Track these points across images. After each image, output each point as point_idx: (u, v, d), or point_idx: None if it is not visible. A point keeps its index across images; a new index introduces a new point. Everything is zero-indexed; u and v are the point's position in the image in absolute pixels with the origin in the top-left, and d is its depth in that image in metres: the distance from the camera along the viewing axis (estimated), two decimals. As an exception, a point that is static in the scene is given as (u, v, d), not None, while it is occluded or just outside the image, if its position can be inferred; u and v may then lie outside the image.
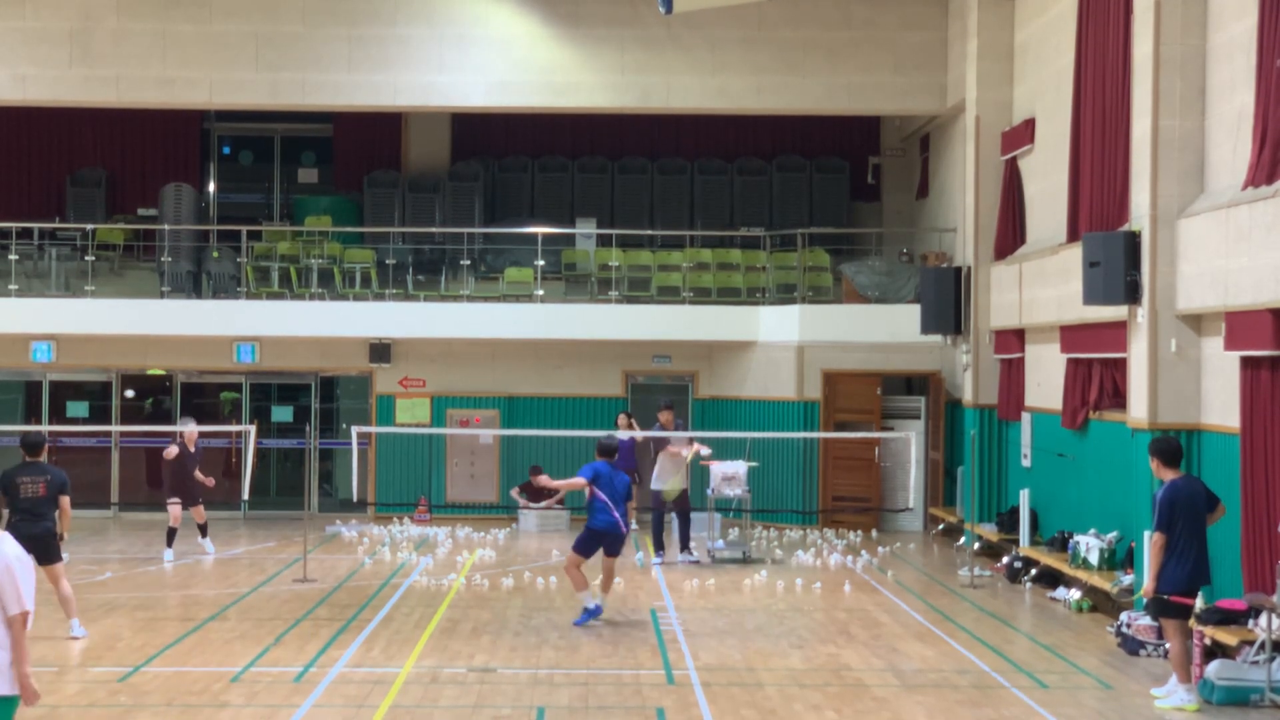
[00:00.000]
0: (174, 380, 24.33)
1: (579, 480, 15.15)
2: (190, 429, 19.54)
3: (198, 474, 19.38)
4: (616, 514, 14.80)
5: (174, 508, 19.23)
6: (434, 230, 24.95)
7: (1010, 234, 20.02)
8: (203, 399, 24.62)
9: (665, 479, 19.03)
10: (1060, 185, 17.81)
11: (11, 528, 13.61)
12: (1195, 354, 14.10)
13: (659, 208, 26.53)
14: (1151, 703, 11.65)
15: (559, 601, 16.14)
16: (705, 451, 19.53)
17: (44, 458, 14.03)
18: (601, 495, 14.80)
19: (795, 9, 22.51)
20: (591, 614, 14.75)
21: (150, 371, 24.24)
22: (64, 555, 14.10)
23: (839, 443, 22.28)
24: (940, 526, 21.94)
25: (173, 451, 19.35)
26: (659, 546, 19.15)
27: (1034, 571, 17.49)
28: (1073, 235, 16.96)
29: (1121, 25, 15.55)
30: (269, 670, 12.53)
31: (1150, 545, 11.66)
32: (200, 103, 23.03)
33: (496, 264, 24.89)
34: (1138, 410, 14.50)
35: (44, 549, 13.65)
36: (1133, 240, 14.43)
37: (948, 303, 21.08)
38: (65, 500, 13.83)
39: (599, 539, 14.88)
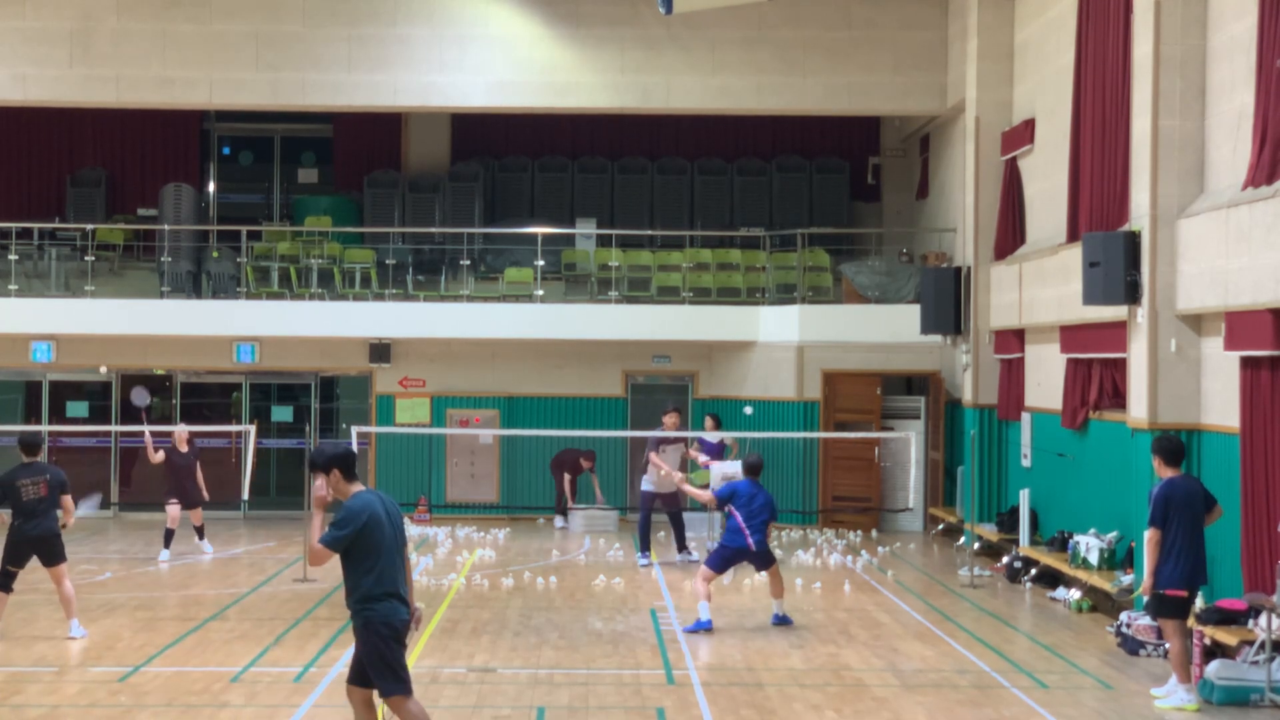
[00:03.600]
0: (174, 380, 24.34)
1: (707, 495, 15.73)
2: (179, 430, 19.54)
3: (199, 478, 19.33)
4: (748, 534, 14.68)
5: (172, 508, 19.23)
6: (434, 230, 24.96)
7: (1010, 234, 20.02)
8: (203, 399, 24.60)
9: (666, 482, 19.06)
10: (1060, 185, 17.82)
11: (15, 530, 13.62)
12: (1195, 354, 14.10)
13: (659, 208, 26.54)
14: (1151, 703, 11.66)
15: (559, 601, 16.15)
16: (702, 459, 19.84)
17: (42, 457, 14.00)
18: (737, 515, 14.78)
19: (795, 9, 22.52)
20: (703, 625, 14.48)
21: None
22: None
23: (839, 443, 22.28)
24: (940, 526, 21.94)
25: (158, 457, 19.32)
26: (645, 547, 19.10)
27: (1034, 571, 17.49)
28: (1073, 235, 16.97)
29: (1121, 25, 15.55)
30: (269, 670, 12.53)
31: (1146, 543, 11.66)
32: (200, 103, 23.04)
33: (496, 264, 24.89)
34: (1138, 410, 14.50)
35: (48, 550, 13.66)
36: (1133, 240, 14.43)
37: (948, 303, 21.08)
38: (67, 499, 13.82)
39: (734, 557, 14.92)
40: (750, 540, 14.70)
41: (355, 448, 18.95)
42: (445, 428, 23.72)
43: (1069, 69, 17.51)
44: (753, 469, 15.19)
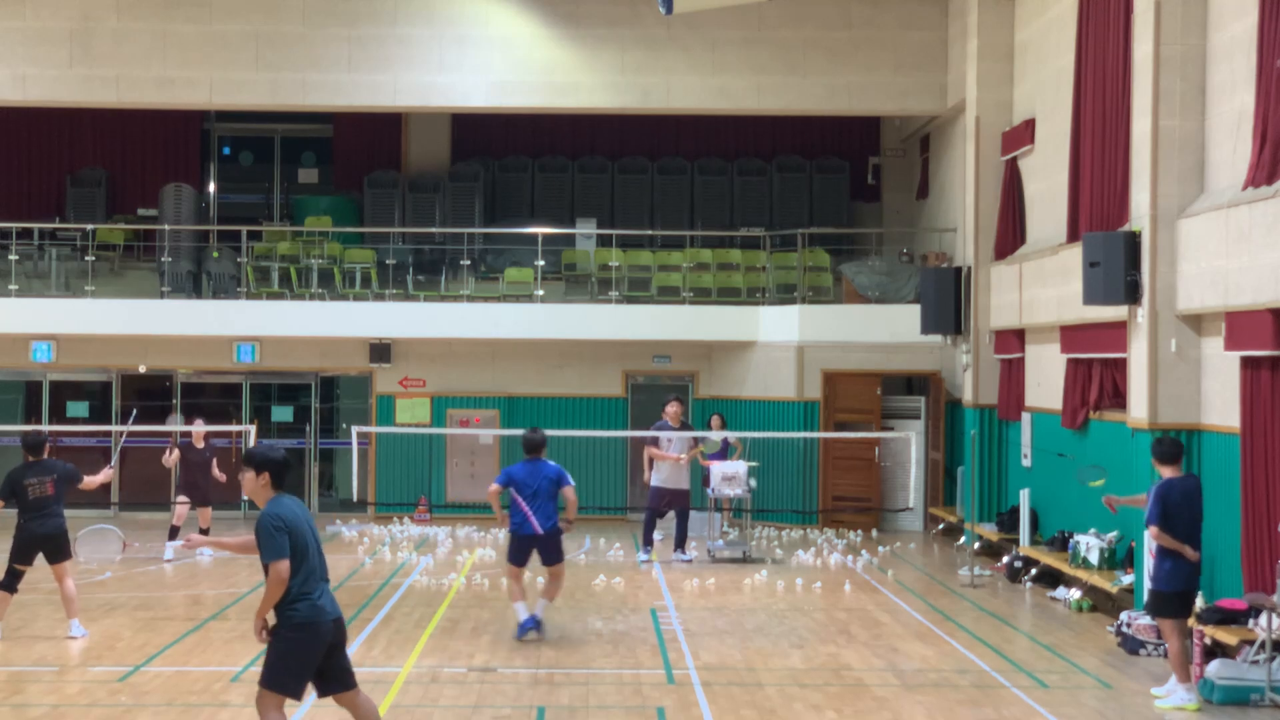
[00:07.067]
0: (174, 380, 24.33)
1: (492, 488, 14.12)
2: (198, 428, 19.51)
3: (215, 470, 19.31)
4: (531, 515, 13.82)
5: (181, 506, 19.22)
6: (434, 230, 24.97)
7: (1010, 234, 20.02)
8: (202, 398, 24.57)
9: (675, 478, 19.04)
10: (1060, 185, 17.82)
11: (22, 528, 13.64)
12: (1195, 354, 14.10)
13: (659, 208, 26.54)
14: (1151, 702, 11.66)
15: (559, 601, 16.11)
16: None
17: (46, 456, 14.00)
18: (517, 499, 13.88)
19: (795, 9, 22.52)
20: (525, 627, 13.89)
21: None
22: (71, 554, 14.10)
23: (839, 443, 22.29)
24: (940, 526, 21.94)
25: (172, 459, 19.32)
26: (647, 543, 19.11)
27: (1034, 571, 17.50)
28: (1073, 235, 16.97)
29: (1121, 25, 15.56)
30: (269, 670, 12.51)
31: (1156, 539, 11.59)
32: (200, 103, 23.04)
33: (496, 264, 24.90)
34: (1138, 410, 14.50)
35: (55, 547, 13.69)
36: (1133, 240, 14.44)
37: (948, 303, 21.09)
38: (88, 479, 14.08)
39: (518, 544, 14.04)
40: (534, 521, 13.79)
41: (356, 448, 19.12)
42: (445, 428, 23.72)
43: (1069, 69, 17.52)
44: (528, 445, 14.06)
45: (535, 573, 15.40)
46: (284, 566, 8.57)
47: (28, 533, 13.59)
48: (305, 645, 8.65)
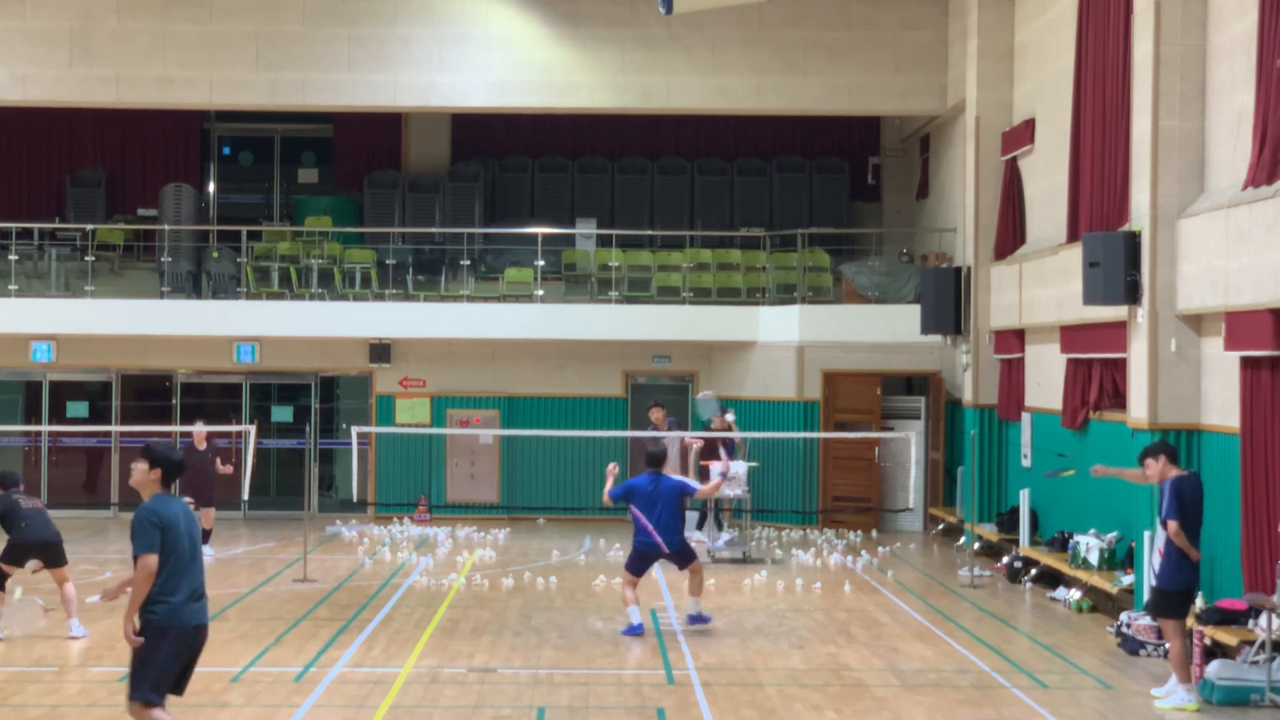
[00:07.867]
0: (174, 380, 24.33)
1: (606, 500, 14.62)
2: (199, 429, 19.49)
3: (217, 463, 19.25)
4: (655, 533, 14.14)
5: None
6: (434, 230, 24.97)
7: (1010, 234, 20.02)
8: (202, 399, 24.56)
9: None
10: (1060, 185, 17.82)
11: (18, 531, 13.68)
12: (1195, 354, 14.10)
13: (659, 208, 26.53)
14: (1151, 703, 11.66)
15: (559, 601, 16.15)
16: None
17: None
18: (637, 513, 14.26)
19: (795, 9, 22.53)
20: (634, 630, 14.16)
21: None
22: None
23: (839, 443, 22.28)
24: (940, 526, 21.94)
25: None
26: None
27: (1034, 571, 17.50)
28: (1073, 235, 16.97)
29: (1121, 25, 15.55)
30: (269, 670, 12.53)
31: (1172, 535, 11.53)
32: (200, 103, 23.05)
33: (496, 264, 24.91)
34: (1138, 410, 14.50)
35: (51, 554, 13.81)
36: (1133, 240, 14.44)
37: (948, 303, 21.09)
38: None
39: (640, 558, 14.42)
40: (658, 539, 14.17)
41: (356, 448, 19.09)
42: (445, 428, 23.72)
43: (1069, 69, 17.51)
44: (651, 460, 14.53)
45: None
46: (153, 560, 8.61)
47: (22, 536, 13.67)
48: (164, 649, 8.66)
